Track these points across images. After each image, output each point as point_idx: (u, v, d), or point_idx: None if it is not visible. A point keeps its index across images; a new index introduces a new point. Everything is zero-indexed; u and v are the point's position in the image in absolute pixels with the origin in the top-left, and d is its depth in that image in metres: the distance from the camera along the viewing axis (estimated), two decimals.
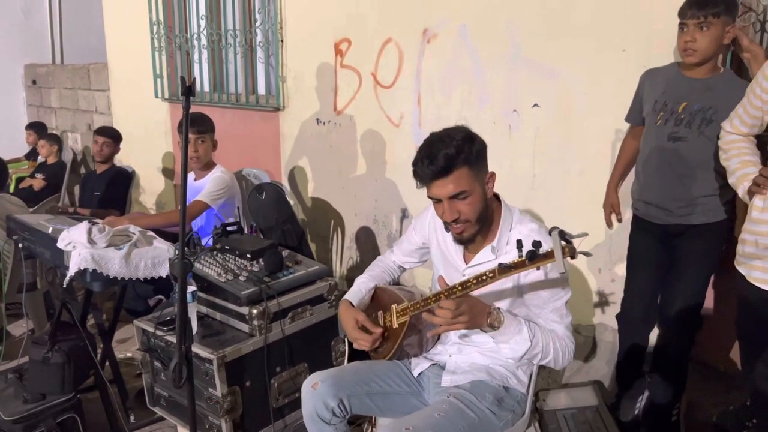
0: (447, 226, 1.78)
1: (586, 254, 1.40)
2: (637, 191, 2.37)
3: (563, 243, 1.36)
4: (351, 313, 1.91)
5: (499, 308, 1.65)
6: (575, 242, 1.38)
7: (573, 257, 1.38)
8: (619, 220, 2.51)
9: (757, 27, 2.32)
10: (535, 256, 1.41)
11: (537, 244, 1.41)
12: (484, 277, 1.52)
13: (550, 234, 1.40)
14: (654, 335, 2.45)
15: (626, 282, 2.48)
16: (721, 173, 2.11)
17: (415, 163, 1.67)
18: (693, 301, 2.26)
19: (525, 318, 1.70)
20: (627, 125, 2.47)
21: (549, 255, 1.39)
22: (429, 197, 1.70)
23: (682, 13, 2.12)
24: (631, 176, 2.45)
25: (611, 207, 2.49)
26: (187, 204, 1.96)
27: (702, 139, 2.13)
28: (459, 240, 1.75)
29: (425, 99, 3.34)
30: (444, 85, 3.24)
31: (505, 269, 1.47)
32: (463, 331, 1.84)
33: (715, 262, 2.25)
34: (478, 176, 1.67)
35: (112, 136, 4.22)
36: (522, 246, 1.45)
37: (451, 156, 1.61)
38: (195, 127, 2.98)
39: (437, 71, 3.25)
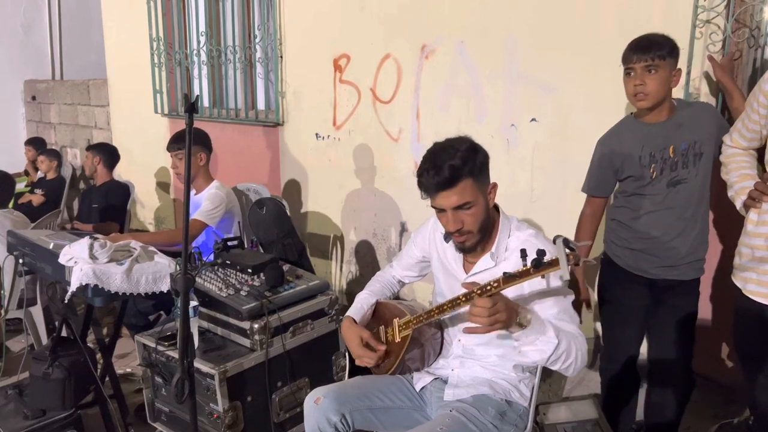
0: (448, 237, 1.80)
1: (590, 262, 1.42)
2: (621, 241, 2.21)
3: (567, 251, 1.38)
4: (355, 331, 1.91)
5: (525, 306, 1.60)
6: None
7: (577, 264, 1.40)
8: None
9: (751, 42, 2.36)
10: (540, 264, 1.42)
11: (541, 252, 1.43)
12: (488, 287, 1.52)
13: (554, 242, 1.42)
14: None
15: (609, 335, 2.34)
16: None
17: (420, 174, 1.68)
18: (685, 359, 2.23)
19: None
20: None
21: (554, 263, 1.40)
22: (433, 206, 1.71)
23: (627, 59, 2.05)
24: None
25: (586, 302, 2.33)
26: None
27: (699, 176, 2.09)
28: (461, 249, 1.77)
29: (424, 114, 3.37)
30: (442, 100, 3.27)
31: (509, 278, 1.48)
32: (465, 345, 1.86)
33: (697, 313, 2.21)
34: (482, 187, 1.70)
35: (91, 148, 4.29)
36: (526, 255, 1.46)
37: (457, 167, 1.62)
38: (173, 144, 3.05)
39: (435, 86, 3.29)
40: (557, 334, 1.57)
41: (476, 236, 1.72)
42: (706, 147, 2.07)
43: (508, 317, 1.50)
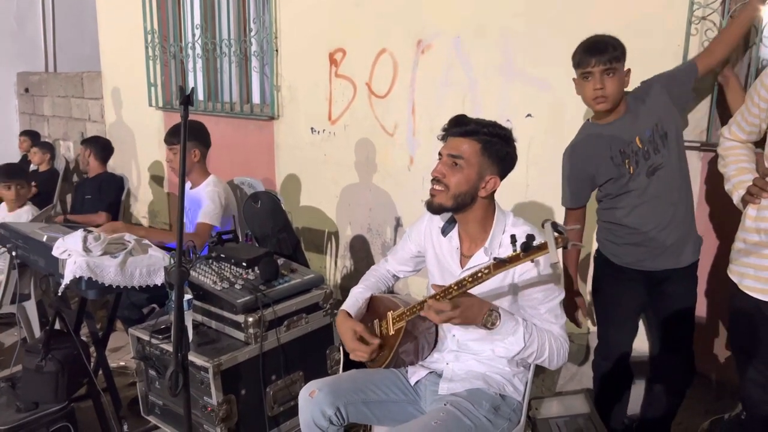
0: (446, 228, 1.86)
1: (579, 245, 1.43)
2: (617, 238, 2.19)
3: (556, 234, 1.40)
4: (349, 324, 1.91)
5: (498, 308, 1.66)
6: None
7: (566, 247, 1.42)
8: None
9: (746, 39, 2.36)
10: (529, 248, 1.44)
11: (530, 237, 1.45)
12: (480, 274, 1.53)
13: (543, 226, 1.43)
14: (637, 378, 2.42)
15: (604, 333, 2.33)
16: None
17: (451, 118, 1.80)
18: (688, 347, 2.24)
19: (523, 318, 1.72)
20: None
21: (543, 246, 1.42)
22: (439, 153, 1.79)
23: (584, 62, 2.02)
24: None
25: (580, 307, 2.32)
26: (184, 215, 1.97)
27: (673, 156, 2.09)
28: (428, 204, 1.79)
29: (419, 109, 3.37)
30: (438, 95, 3.27)
31: (500, 264, 1.50)
32: (460, 339, 1.86)
33: (696, 298, 2.23)
34: (482, 164, 1.73)
35: (84, 142, 4.31)
36: (516, 241, 1.48)
37: (474, 130, 1.73)
38: (170, 137, 3.04)
39: (431, 81, 3.28)
40: (527, 338, 1.67)
41: (446, 198, 1.74)
42: (667, 124, 2.08)
43: (464, 319, 1.60)
